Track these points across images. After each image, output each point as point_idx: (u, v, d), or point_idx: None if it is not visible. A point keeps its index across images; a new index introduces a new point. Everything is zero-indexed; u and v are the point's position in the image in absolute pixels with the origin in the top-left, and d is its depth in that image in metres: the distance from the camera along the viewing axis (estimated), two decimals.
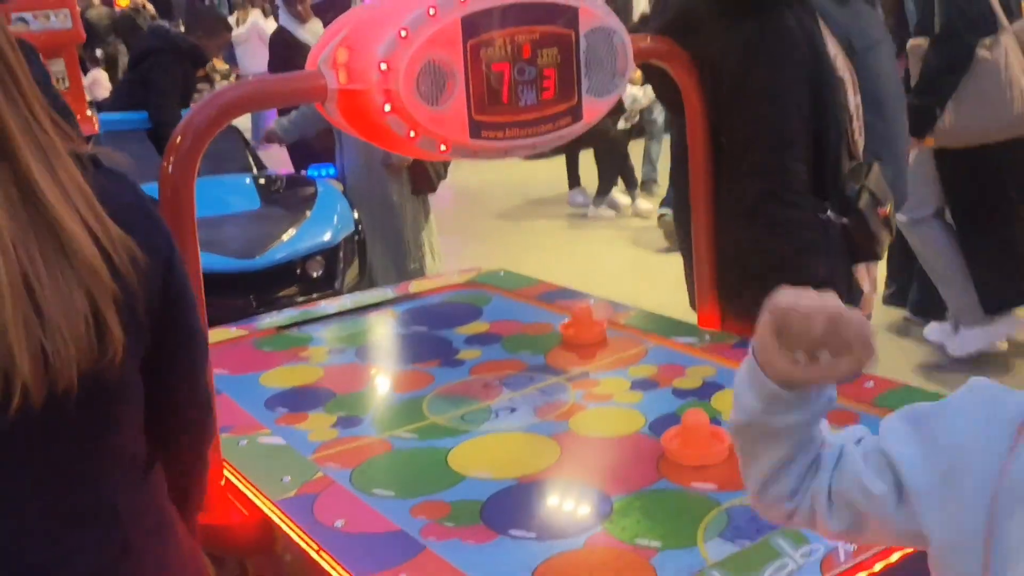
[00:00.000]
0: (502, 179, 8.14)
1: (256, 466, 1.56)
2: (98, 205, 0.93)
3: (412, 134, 1.49)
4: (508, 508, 1.43)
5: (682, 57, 1.91)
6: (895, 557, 1.20)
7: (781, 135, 1.86)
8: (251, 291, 3.75)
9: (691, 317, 2.20)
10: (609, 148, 6.48)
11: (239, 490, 1.53)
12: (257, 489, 1.48)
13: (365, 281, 4.33)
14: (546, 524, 1.37)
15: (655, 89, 2.22)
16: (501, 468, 1.56)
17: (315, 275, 3.95)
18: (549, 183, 7.58)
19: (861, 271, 2.12)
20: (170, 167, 1.42)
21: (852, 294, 2.06)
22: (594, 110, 1.66)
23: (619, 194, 6.86)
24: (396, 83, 1.43)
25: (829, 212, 1.95)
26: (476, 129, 1.52)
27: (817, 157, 1.93)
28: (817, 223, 1.92)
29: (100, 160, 1.00)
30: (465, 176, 7.37)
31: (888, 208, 2.08)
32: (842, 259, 2.00)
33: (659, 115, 6.49)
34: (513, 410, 1.79)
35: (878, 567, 1.18)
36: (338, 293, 4.00)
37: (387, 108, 1.46)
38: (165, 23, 9.42)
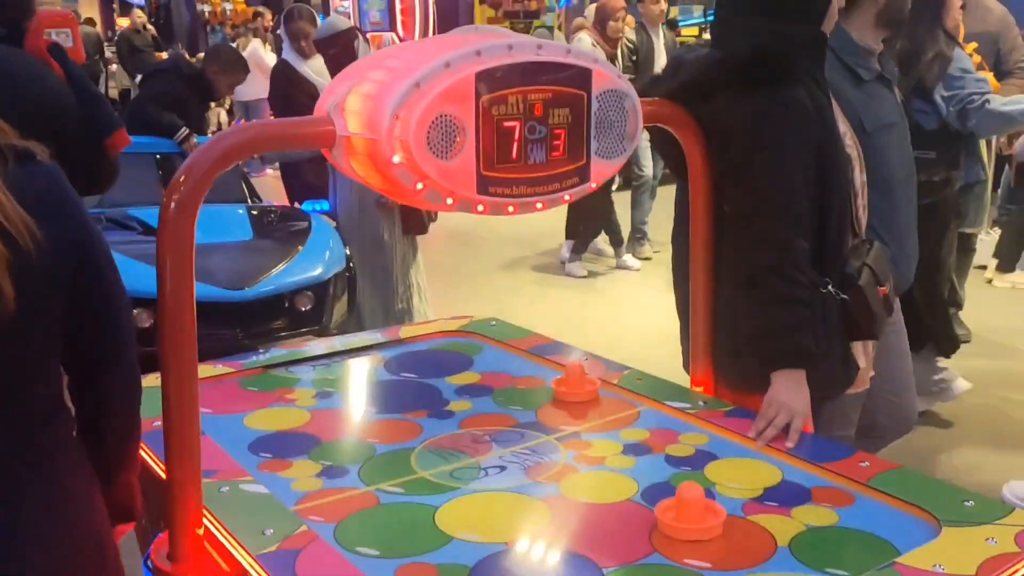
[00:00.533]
0: (493, 224, 8.15)
1: (237, 516, 1.51)
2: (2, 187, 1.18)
3: (420, 186, 1.47)
4: (495, 574, 1.39)
5: (689, 123, 1.91)
6: None
7: (787, 210, 1.85)
8: (238, 322, 3.70)
9: (682, 375, 2.18)
10: (592, 203, 6.46)
11: (218, 540, 1.48)
12: (237, 541, 1.44)
13: (353, 319, 4.29)
14: None
15: (660, 151, 2.22)
16: (489, 531, 1.52)
17: (303, 309, 3.91)
18: (541, 230, 7.59)
19: (857, 347, 2.11)
20: (172, 206, 1.39)
21: (848, 370, 2.05)
22: (602, 172, 1.65)
23: (604, 244, 6.87)
24: (407, 134, 1.42)
25: (830, 287, 1.94)
26: (484, 185, 1.50)
27: (820, 232, 1.93)
28: (815, 299, 1.91)
29: (31, 152, 1.25)
30: (456, 219, 7.36)
31: (887, 287, 2.07)
32: (838, 335, 1.99)
33: (648, 167, 6.51)
34: (503, 468, 1.75)
35: None
36: (326, 329, 3.96)
37: (396, 159, 1.44)
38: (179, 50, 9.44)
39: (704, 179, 1.96)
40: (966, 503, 1.53)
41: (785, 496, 1.62)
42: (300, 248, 4.07)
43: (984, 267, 5.74)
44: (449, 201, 1.51)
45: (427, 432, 1.92)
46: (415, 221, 4.81)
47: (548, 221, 7.20)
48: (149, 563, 1.71)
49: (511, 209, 1.58)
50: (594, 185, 1.65)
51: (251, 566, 1.39)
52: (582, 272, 6.50)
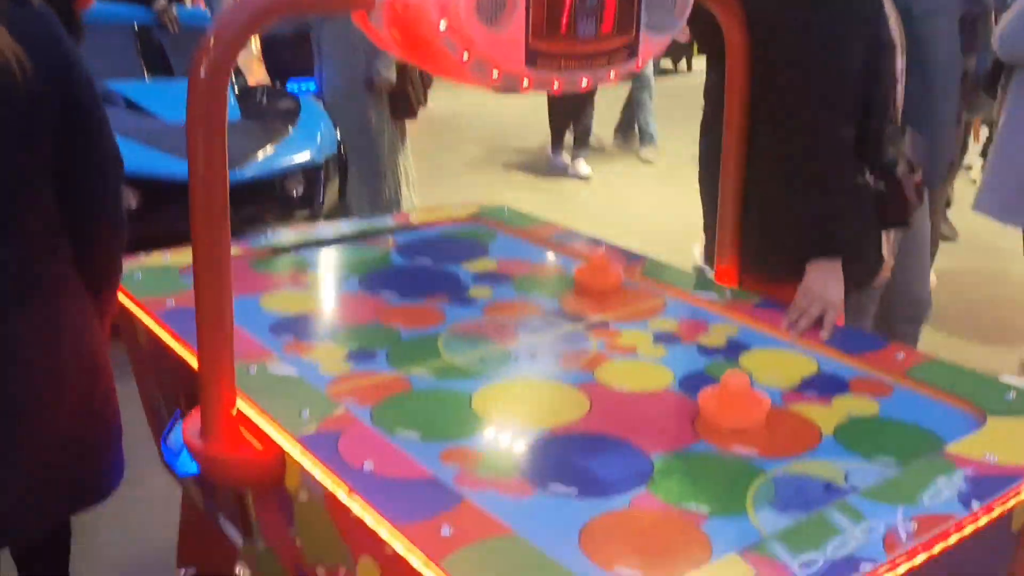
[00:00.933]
0: (479, 111, 7.98)
1: (270, 397, 1.47)
2: None
3: (466, 56, 1.38)
4: (543, 460, 1.37)
5: (734, 5, 1.82)
6: (953, 539, 1.17)
7: (834, 94, 1.79)
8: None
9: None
10: (576, 103, 6.24)
11: (251, 421, 1.44)
12: (275, 422, 1.40)
13: (341, 206, 4.20)
14: (587, 480, 1.31)
15: (695, 33, 2.13)
16: (529, 417, 1.50)
17: (295, 194, 3.81)
18: (525, 117, 7.44)
19: (884, 237, 2.08)
20: (202, 71, 1.29)
21: (879, 260, 2.02)
22: (649, 48, 1.56)
23: (598, 138, 6.76)
24: None
25: (867, 175, 1.90)
26: (532, 57, 1.41)
27: (861, 119, 1.87)
28: (853, 188, 1.87)
29: None
30: (442, 105, 7.19)
31: (919, 176, 2.03)
32: (873, 225, 1.96)
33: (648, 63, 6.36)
34: (534, 356, 1.72)
35: (937, 548, 1.15)
36: (317, 215, 3.88)
37: (443, 26, 1.35)
38: None
39: (743, 65, 1.88)
40: (1007, 396, 1.53)
41: (823, 386, 1.60)
42: (290, 130, 3.93)
43: (970, 167, 5.75)
44: (495, 75, 1.42)
45: (450, 318, 1.87)
46: (405, 105, 4.66)
47: (531, 108, 7.07)
48: (168, 442, 1.67)
49: (556, 85, 1.50)
50: (640, 63, 1.57)
51: (292, 448, 1.35)
52: (567, 165, 6.38)
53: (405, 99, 4.65)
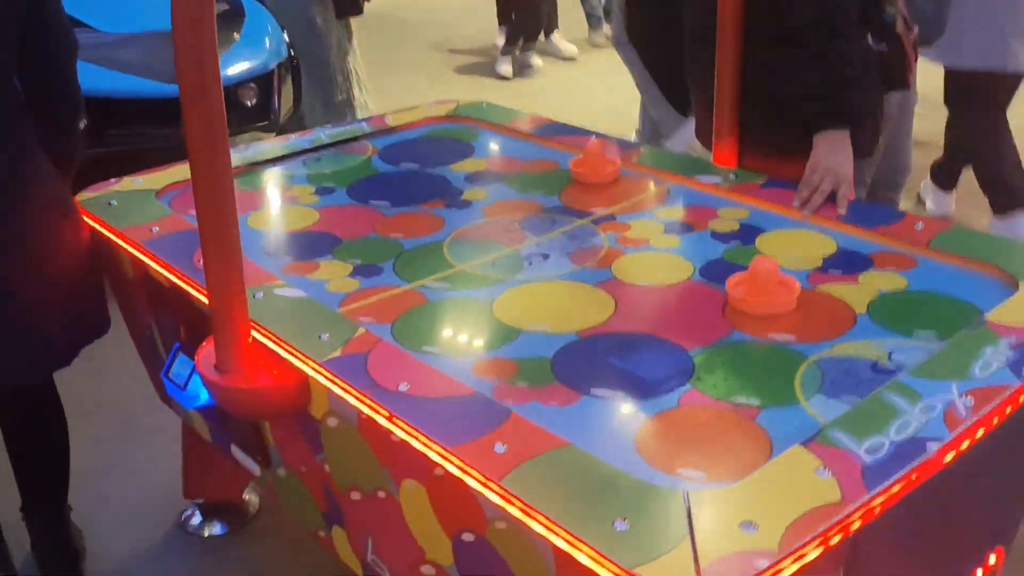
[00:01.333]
0: (424, 3, 7.67)
1: (284, 323, 1.39)
2: None
3: None
4: (580, 365, 1.32)
5: None
6: (1010, 410, 1.16)
7: None
8: (176, 120, 3.40)
9: None
10: None
11: (268, 349, 1.37)
12: (295, 349, 1.32)
13: (296, 115, 4.02)
14: (629, 382, 1.27)
15: None
16: (556, 321, 1.44)
17: (249, 104, 3.62)
18: (473, 8, 7.17)
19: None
20: None
21: (880, 126, 1.97)
22: None
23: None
24: None
25: (870, 38, 1.83)
26: None
27: None
28: (860, 56, 1.80)
29: None
30: (377, 2, 6.88)
31: (915, 33, 1.98)
32: (877, 89, 1.90)
33: None
34: (546, 256, 1.66)
35: (996, 420, 1.14)
36: (275, 125, 3.70)
37: None
38: None
39: None
40: None
41: (846, 264, 1.57)
42: (236, 36, 3.71)
43: None
44: None
45: (450, 223, 1.80)
46: (350, 1, 4.44)
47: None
48: (171, 375, 1.60)
49: None
50: None
51: (318, 374, 1.28)
52: (509, 72, 6.02)
53: None
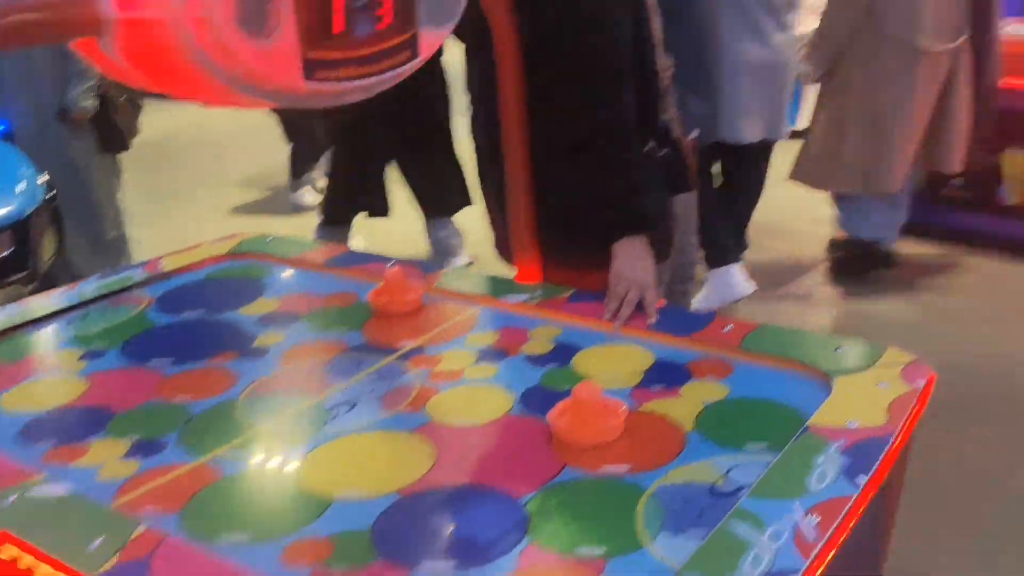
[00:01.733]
0: (199, 128, 7.42)
1: (43, 532, 1.16)
2: None
3: (231, 77, 1.14)
4: (404, 533, 1.18)
5: None
6: (852, 523, 1.12)
7: (614, 65, 1.72)
8: None
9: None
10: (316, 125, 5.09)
11: (23, 572, 1.13)
12: (59, 566, 1.10)
13: (61, 259, 3.69)
14: (461, 548, 1.14)
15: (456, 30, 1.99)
16: (372, 481, 1.29)
17: (2, 255, 3.27)
18: (255, 130, 7.00)
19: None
20: None
21: (671, 229, 2.00)
22: (431, 43, 1.39)
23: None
24: (209, 8, 1.08)
25: (652, 143, 1.86)
26: (310, 69, 1.20)
27: (639, 88, 1.82)
28: (644, 160, 1.82)
29: None
30: (153, 127, 6.58)
31: (692, 138, 2.04)
32: (666, 193, 1.93)
33: None
34: (353, 405, 1.51)
35: (842, 538, 1.09)
36: (35, 276, 3.36)
37: (194, 44, 1.10)
38: None
39: (513, 48, 1.77)
40: (837, 349, 1.53)
41: (667, 376, 1.53)
42: None
43: None
44: (270, 93, 1.19)
45: (244, 377, 1.62)
46: (114, 137, 4.22)
47: (257, 118, 6.61)
48: None
49: (340, 95, 1.30)
50: (421, 57, 1.40)
51: None
52: (313, 200, 5.48)
53: (114, 129, 4.18)
